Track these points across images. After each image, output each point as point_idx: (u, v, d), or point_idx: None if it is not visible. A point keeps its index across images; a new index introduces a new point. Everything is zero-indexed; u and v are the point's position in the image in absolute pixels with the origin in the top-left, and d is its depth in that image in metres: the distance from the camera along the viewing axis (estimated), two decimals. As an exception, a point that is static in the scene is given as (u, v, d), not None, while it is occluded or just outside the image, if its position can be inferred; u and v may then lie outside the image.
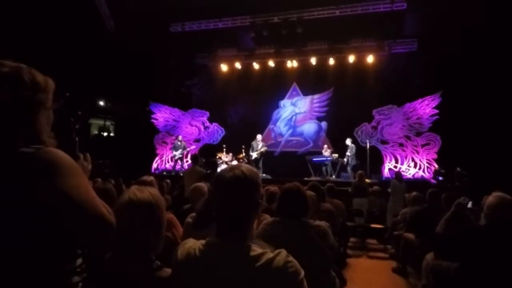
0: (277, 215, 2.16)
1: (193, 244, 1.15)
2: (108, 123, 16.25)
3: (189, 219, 2.46)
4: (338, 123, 11.42)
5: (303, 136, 12.34)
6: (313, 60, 11.62)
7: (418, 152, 10.05)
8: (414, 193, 5.34)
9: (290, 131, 12.50)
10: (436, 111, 9.84)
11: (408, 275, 4.60)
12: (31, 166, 0.94)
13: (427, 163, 9.91)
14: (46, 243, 0.97)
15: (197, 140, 12.32)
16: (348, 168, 9.95)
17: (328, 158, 10.21)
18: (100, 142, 14.11)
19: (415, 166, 10.05)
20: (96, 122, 15.88)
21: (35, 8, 8.69)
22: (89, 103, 13.02)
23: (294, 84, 12.55)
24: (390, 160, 10.39)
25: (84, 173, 1.12)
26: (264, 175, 9.81)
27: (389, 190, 7.35)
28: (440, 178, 9.23)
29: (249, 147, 10.23)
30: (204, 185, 3.23)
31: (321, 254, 1.98)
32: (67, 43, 9.57)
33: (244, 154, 10.14)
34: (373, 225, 6.66)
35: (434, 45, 9.89)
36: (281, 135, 12.59)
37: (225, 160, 10.05)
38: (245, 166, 1.16)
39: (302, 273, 1.05)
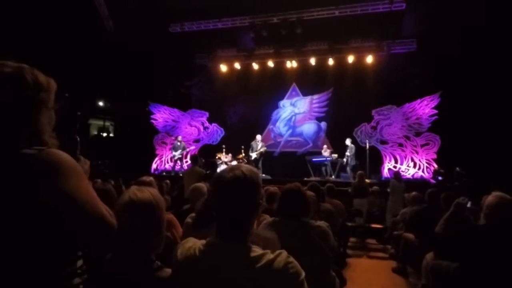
0: (278, 215, 2.17)
1: (193, 244, 1.15)
2: (107, 123, 16.27)
3: (188, 219, 2.46)
4: (338, 123, 11.42)
5: (302, 137, 12.34)
6: (313, 61, 11.62)
7: (417, 152, 10.06)
8: (413, 193, 5.34)
9: (290, 131, 12.49)
10: (436, 111, 9.84)
11: (408, 275, 4.60)
12: (33, 168, 0.94)
13: (426, 163, 9.92)
14: (46, 244, 0.97)
15: (196, 141, 12.30)
16: (348, 168, 9.95)
17: (327, 158, 10.21)
18: (100, 143, 14.14)
19: (414, 166, 10.06)
20: (96, 123, 15.89)
21: (35, 8, 8.68)
22: (89, 103, 13.01)
23: (294, 84, 12.54)
24: (390, 160, 10.40)
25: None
26: (263, 175, 9.79)
27: (388, 190, 7.36)
28: (440, 178, 9.25)
29: (248, 148, 10.22)
30: (203, 186, 3.23)
31: (321, 254, 1.99)
32: (67, 44, 9.57)
33: (243, 154, 10.13)
34: (373, 225, 6.68)
35: (433, 46, 9.90)
36: (280, 135, 12.59)
37: (224, 161, 10.03)
38: (245, 167, 1.16)
39: (303, 274, 1.05)
